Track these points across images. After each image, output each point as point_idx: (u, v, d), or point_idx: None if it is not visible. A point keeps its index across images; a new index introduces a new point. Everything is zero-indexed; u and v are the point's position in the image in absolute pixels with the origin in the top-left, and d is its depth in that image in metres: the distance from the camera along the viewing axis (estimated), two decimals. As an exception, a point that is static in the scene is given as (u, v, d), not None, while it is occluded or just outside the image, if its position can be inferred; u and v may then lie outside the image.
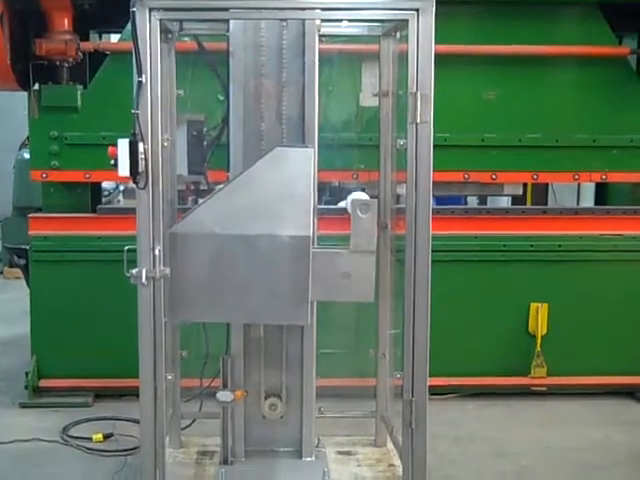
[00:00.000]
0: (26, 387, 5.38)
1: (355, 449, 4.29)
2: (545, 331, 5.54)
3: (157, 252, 3.27)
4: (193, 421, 4.43)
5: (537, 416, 5.29)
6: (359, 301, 3.58)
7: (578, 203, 8.45)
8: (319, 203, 3.78)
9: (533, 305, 5.54)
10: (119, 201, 8.61)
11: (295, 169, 3.41)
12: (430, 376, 3.47)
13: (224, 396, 3.79)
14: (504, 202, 8.05)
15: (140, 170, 3.21)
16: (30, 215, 5.55)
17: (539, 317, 5.51)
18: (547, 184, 7.26)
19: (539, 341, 5.52)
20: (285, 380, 3.93)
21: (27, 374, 5.41)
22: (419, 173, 3.35)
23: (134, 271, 3.28)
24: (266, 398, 3.95)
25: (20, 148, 7.37)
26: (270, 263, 3.38)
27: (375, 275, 3.49)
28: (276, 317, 3.51)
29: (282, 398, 3.94)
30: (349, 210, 3.48)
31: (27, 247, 5.58)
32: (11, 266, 9.05)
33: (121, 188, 8.61)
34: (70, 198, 5.58)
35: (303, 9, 3.41)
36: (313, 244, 3.46)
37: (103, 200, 6.53)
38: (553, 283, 5.57)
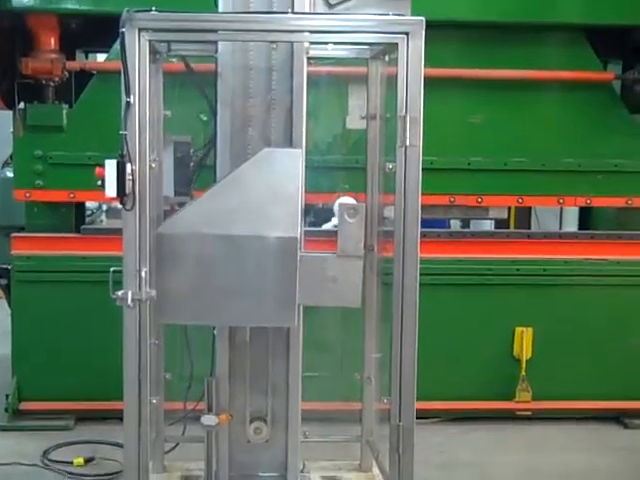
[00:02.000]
0: (6, 410, 5.30)
1: (340, 474, 4.24)
2: (530, 355, 5.53)
3: (143, 274, 3.24)
4: (176, 445, 4.37)
5: (522, 441, 5.27)
6: (346, 306, 3.55)
7: (561, 227, 8.49)
8: (304, 225, 3.76)
9: (518, 329, 5.54)
10: (102, 221, 8.56)
11: (283, 170, 3.40)
12: (414, 400, 3.45)
13: (209, 420, 3.74)
14: (487, 225, 8.08)
15: (127, 191, 3.19)
16: (13, 235, 5.49)
17: (524, 341, 5.51)
18: (530, 208, 7.30)
19: (524, 365, 5.51)
20: (270, 404, 3.89)
21: (7, 396, 5.33)
22: (408, 196, 3.34)
23: (120, 293, 3.25)
24: (251, 422, 3.90)
25: (2, 166, 7.31)
26: (257, 264, 3.35)
27: (362, 280, 3.48)
28: (263, 319, 3.48)
29: (267, 422, 3.90)
30: (336, 214, 3.46)
31: (9, 267, 5.52)
32: (-8, 286, 8.95)
33: (104, 208, 8.57)
34: (54, 218, 5.54)
35: (292, 32, 3.41)
36: (300, 246, 3.44)
37: (86, 220, 6.49)
38: (538, 307, 5.57)
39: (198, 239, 3.34)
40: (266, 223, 3.35)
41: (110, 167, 3.16)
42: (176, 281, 3.35)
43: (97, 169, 3.24)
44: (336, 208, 3.50)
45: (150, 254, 3.30)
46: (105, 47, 5.41)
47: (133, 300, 3.24)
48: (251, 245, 3.34)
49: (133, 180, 3.20)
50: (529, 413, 5.55)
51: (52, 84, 5.38)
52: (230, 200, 3.37)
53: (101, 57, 6.06)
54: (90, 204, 7.67)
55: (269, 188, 3.38)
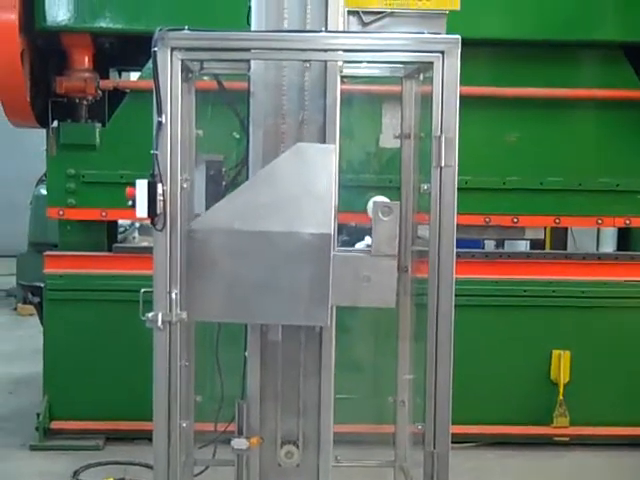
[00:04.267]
0: (37, 429, 5.30)
1: (373, 499, 4.17)
2: (568, 379, 5.43)
3: (174, 295, 3.20)
4: (206, 468, 4.31)
5: (559, 468, 5.17)
6: (380, 306, 3.47)
7: (598, 247, 8.34)
8: (337, 244, 3.70)
9: (555, 352, 5.45)
10: (134, 238, 8.56)
11: (316, 166, 3.34)
12: (450, 424, 3.37)
13: (239, 443, 3.68)
14: (522, 246, 7.95)
15: (158, 211, 3.15)
16: (45, 253, 5.51)
17: (561, 365, 5.42)
18: (566, 228, 7.18)
19: (561, 389, 5.42)
20: (302, 427, 3.82)
21: (38, 415, 5.32)
22: (443, 217, 3.28)
23: (150, 315, 3.21)
24: (282, 445, 3.84)
25: (37, 184, 7.37)
26: (290, 261, 3.27)
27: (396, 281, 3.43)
28: (295, 317, 3.38)
29: (299, 445, 3.83)
30: (370, 213, 3.40)
31: (41, 285, 5.53)
32: (25, 302, 9.00)
33: (137, 225, 8.58)
34: (86, 236, 5.56)
35: (325, 50, 3.37)
36: (334, 243, 3.37)
37: (119, 237, 6.51)
38: (576, 330, 5.48)
39: (230, 235, 3.27)
40: (299, 219, 3.28)
41: (141, 187, 3.13)
42: (207, 277, 3.28)
43: (128, 189, 3.21)
44: (370, 206, 3.44)
45: (181, 268, 3.25)
46: (138, 66, 5.43)
47: (163, 322, 3.20)
48: (283, 241, 3.27)
49: (164, 200, 3.16)
50: (567, 439, 5.45)
51: (85, 103, 5.42)
52: (262, 195, 3.30)
53: (134, 75, 6.07)
54: (123, 221, 7.68)
55: (302, 184, 3.31)
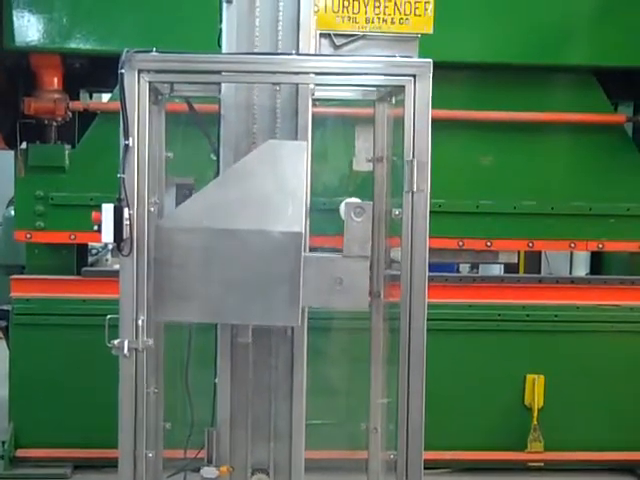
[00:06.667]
0: (2, 457, 5.20)
1: (345, 528, 4.10)
2: (541, 404, 5.41)
3: (140, 322, 3.13)
4: (175, 497, 4.23)
5: (533, 493, 5.13)
6: (352, 309, 3.44)
7: (571, 270, 8.38)
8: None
9: (529, 377, 5.42)
10: (107, 260, 8.47)
11: (288, 163, 3.28)
12: (422, 450, 3.31)
13: (209, 472, 3.61)
14: (496, 270, 7.97)
15: (125, 236, 3.09)
16: (12, 277, 5.42)
17: (535, 389, 5.39)
18: (540, 251, 7.20)
19: (535, 414, 5.39)
20: (273, 454, 3.75)
21: (3, 443, 5.23)
22: (415, 242, 3.24)
23: (116, 342, 3.14)
24: (253, 474, 3.76)
25: (8, 205, 7.26)
26: (260, 260, 3.21)
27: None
28: (265, 317, 3.30)
29: (269, 474, 3.76)
30: (342, 215, 3.36)
31: (9, 308, 5.42)
32: (-7, 326, 8.85)
33: (110, 246, 8.47)
34: (55, 259, 5.48)
35: (296, 73, 3.33)
36: (305, 245, 3.32)
37: (91, 258, 6.42)
38: (550, 354, 5.47)
39: (199, 233, 3.20)
40: (270, 217, 3.22)
41: (107, 212, 3.07)
42: (175, 276, 3.20)
43: (94, 214, 3.15)
44: (342, 208, 3.39)
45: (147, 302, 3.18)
46: (109, 87, 5.38)
47: (130, 349, 3.13)
48: (254, 240, 3.20)
49: (130, 225, 3.10)
50: (541, 464, 5.42)
51: (55, 124, 5.36)
52: (232, 192, 3.24)
53: (105, 97, 6.01)
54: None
55: (273, 181, 3.25)
